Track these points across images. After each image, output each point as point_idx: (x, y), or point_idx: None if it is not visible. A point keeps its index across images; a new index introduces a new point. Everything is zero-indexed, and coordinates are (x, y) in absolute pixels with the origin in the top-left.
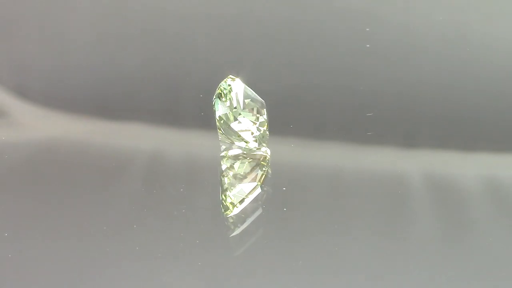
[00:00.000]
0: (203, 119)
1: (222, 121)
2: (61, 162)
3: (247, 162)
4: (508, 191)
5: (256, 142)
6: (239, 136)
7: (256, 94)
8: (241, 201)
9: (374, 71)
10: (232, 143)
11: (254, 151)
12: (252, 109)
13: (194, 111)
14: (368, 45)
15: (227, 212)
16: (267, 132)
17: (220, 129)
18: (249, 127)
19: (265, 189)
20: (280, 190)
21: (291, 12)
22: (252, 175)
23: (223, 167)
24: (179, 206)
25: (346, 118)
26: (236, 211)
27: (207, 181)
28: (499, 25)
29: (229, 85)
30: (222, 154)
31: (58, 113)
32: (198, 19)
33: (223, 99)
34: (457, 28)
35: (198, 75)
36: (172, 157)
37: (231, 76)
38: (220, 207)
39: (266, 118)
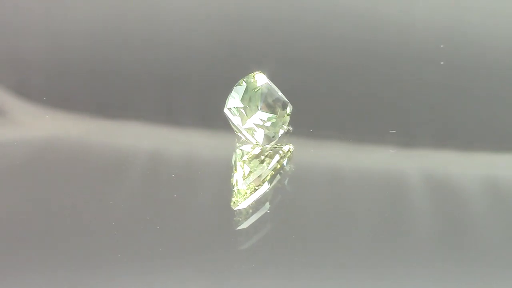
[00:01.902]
0: (204, 118)
1: (232, 117)
2: (60, 161)
3: (261, 157)
4: (508, 191)
5: (266, 141)
6: (247, 134)
7: (281, 94)
8: (250, 195)
9: (373, 71)
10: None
11: (274, 147)
12: (270, 108)
13: (194, 110)
14: (442, 62)
15: (234, 205)
16: (280, 133)
17: (232, 124)
18: (259, 126)
19: (277, 184)
20: (285, 189)
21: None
22: (264, 171)
23: (238, 163)
24: (179, 204)
25: (345, 118)
26: (243, 205)
27: (208, 179)
28: (499, 25)
29: (254, 80)
30: (238, 147)
31: (58, 112)
32: (199, 17)
33: (241, 88)
34: (457, 28)
35: (198, 74)
36: (172, 156)
37: (258, 71)
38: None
39: (283, 119)
